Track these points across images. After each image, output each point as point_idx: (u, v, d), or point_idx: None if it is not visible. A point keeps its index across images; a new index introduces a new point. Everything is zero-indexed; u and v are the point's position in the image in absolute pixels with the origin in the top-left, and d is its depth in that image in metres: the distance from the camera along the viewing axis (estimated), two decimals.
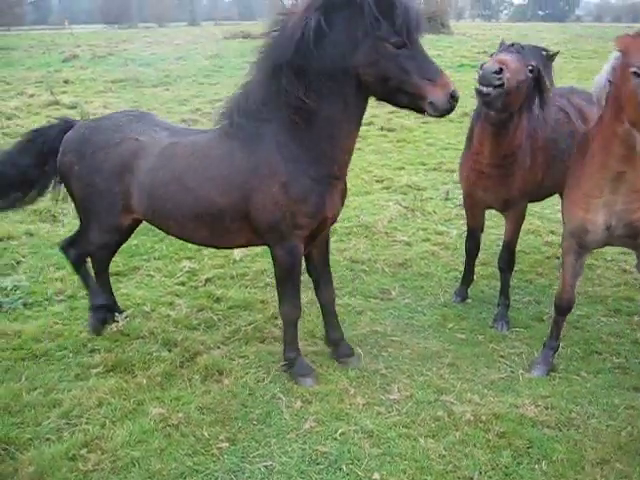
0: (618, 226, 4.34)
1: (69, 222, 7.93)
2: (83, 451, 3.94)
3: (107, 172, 4.72)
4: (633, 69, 3.75)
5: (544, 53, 4.97)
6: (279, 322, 5.52)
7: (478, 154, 5.22)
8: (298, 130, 4.21)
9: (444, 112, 3.99)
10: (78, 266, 5.33)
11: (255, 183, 4.28)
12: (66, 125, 5.16)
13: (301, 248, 4.48)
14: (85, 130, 4.98)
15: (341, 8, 3.93)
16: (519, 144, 5.06)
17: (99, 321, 5.29)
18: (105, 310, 5.33)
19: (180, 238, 4.93)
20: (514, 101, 4.67)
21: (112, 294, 5.50)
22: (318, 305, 5.16)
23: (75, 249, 5.27)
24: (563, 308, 4.85)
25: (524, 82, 4.64)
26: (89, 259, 5.35)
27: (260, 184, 4.27)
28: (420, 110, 4.06)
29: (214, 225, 4.51)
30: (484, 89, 4.40)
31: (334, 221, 4.75)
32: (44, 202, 8.22)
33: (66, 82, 18.00)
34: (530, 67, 4.68)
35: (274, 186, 4.24)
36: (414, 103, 4.03)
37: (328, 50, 3.98)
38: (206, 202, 4.43)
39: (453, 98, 3.92)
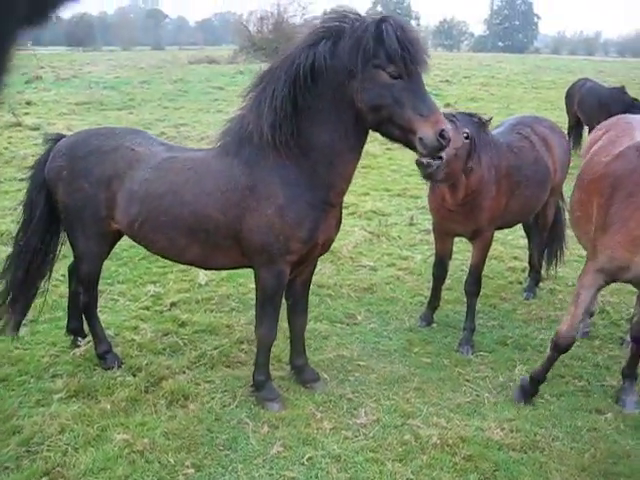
0: None
1: None
2: (44, 479, 3.84)
3: (96, 177, 4.66)
4: None
5: (477, 120, 5.15)
6: (245, 346, 5.52)
7: (442, 199, 5.43)
8: (297, 154, 4.22)
9: (432, 150, 3.95)
10: (74, 295, 5.30)
11: (252, 203, 4.27)
12: (58, 136, 5.14)
13: (287, 273, 4.47)
14: (78, 136, 4.97)
15: (341, 37, 3.98)
16: (478, 184, 5.20)
17: (112, 360, 5.15)
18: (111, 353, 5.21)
19: (165, 255, 4.84)
20: (454, 169, 4.86)
21: (81, 319, 5.37)
22: (284, 330, 5.16)
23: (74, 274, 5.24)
24: (567, 346, 4.65)
25: (461, 149, 4.83)
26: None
27: (257, 205, 4.27)
28: (412, 146, 4.02)
29: (207, 241, 4.47)
30: (424, 160, 4.47)
31: (326, 249, 4.75)
32: (5, 224, 8.13)
33: (29, 104, 17.78)
34: (465, 134, 4.88)
35: (270, 208, 4.24)
36: (405, 137, 4.01)
37: (327, 78, 4.03)
38: (202, 216, 4.40)
39: (443, 137, 3.87)
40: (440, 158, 4.43)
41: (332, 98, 4.09)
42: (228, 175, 4.36)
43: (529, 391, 4.83)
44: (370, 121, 4.12)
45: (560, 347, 4.65)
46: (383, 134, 4.21)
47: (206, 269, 5.34)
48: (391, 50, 3.83)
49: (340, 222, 4.70)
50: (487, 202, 5.22)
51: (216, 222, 4.38)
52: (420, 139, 3.88)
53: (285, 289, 4.75)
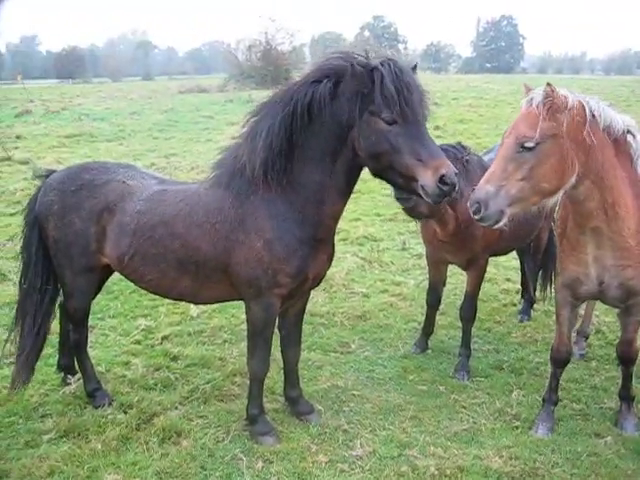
0: (611, 284, 4.33)
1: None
2: None
3: (87, 211, 4.63)
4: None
5: (460, 148, 5.21)
6: (238, 379, 5.44)
7: (434, 230, 5.43)
8: (288, 190, 4.20)
9: (436, 198, 3.83)
10: (65, 332, 5.23)
11: (240, 236, 4.25)
12: (49, 172, 5.11)
13: (277, 306, 4.42)
14: (70, 170, 4.95)
15: (338, 81, 3.97)
16: (468, 213, 5.14)
17: (102, 398, 5.06)
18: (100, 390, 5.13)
19: (155, 289, 4.78)
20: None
21: (72, 355, 5.28)
22: (277, 361, 5.09)
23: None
24: (562, 360, 4.79)
25: None
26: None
27: (245, 237, 4.23)
28: (412, 191, 3.96)
29: (197, 274, 4.43)
30: (399, 195, 4.52)
31: (317, 283, 4.70)
32: None
33: (18, 137, 17.73)
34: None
35: (258, 241, 4.20)
36: (408, 185, 3.94)
37: (324, 118, 4.02)
38: (192, 249, 4.37)
39: (444, 183, 3.74)
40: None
41: (327, 138, 4.08)
42: (218, 207, 4.33)
43: (552, 419, 4.79)
44: (372, 169, 4.11)
45: (555, 361, 4.80)
46: (388, 182, 4.18)
47: (196, 303, 5.26)
48: (384, 95, 3.79)
49: (332, 257, 4.65)
50: (480, 230, 5.15)
51: (205, 254, 4.35)
52: (422, 187, 3.80)
53: (278, 321, 4.70)
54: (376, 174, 4.16)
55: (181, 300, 5.03)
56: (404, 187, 4.06)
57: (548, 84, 3.91)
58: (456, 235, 5.32)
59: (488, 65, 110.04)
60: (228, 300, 4.82)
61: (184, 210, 4.43)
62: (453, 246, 5.46)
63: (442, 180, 3.74)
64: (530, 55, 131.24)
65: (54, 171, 5.12)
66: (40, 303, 4.99)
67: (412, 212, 4.89)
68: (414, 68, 4.10)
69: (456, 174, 3.81)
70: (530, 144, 3.82)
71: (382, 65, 3.87)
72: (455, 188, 3.81)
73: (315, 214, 4.25)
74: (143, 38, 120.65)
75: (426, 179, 3.76)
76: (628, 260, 4.23)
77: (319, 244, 4.37)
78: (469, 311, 5.69)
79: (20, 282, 5.11)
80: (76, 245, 4.71)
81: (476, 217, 3.94)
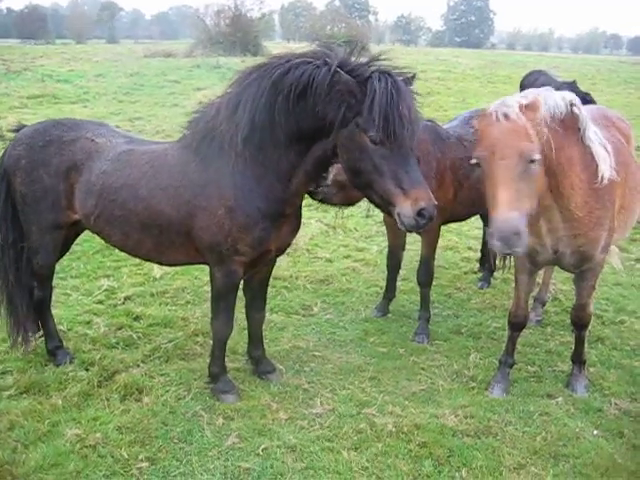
0: (566, 252, 4.45)
1: None
2: None
3: (55, 167, 4.58)
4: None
5: None
6: (200, 339, 5.48)
7: None
8: (257, 164, 4.11)
9: (410, 228, 3.77)
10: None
11: (202, 201, 4.20)
12: (20, 127, 5.01)
13: (240, 273, 4.41)
14: (40, 125, 4.86)
15: (336, 82, 3.71)
16: None
17: (63, 356, 5.04)
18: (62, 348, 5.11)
19: (121, 248, 4.77)
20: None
21: (35, 312, 5.20)
22: (240, 321, 5.13)
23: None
24: (519, 324, 4.92)
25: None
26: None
27: (207, 204, 4.19)
28: (389, 214, 3.90)
29: (160, 237, 4.41)
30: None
31: (281, 253, 4.70)
32: None
33: None
34: None
35: (220, 208, 4.16)
36: (384, 206, 3.87)
37: (313, 103, 3.82)
38: (155, 212, 4.33)
39: (421, 216, 3.66)
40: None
41: (309, 125, 3.92)
42: (182, 171, 4.29)
43: (507, 380, 4.93)
44: (350, 182, 4.02)
45: (512, 325, 4.94)
46: (365, 197, 4.08)
47: (162, 264, 5.25)
48: (373, 116, 3.60)
49: (298, 228, 4.62)
50: None
51: (169, 218, 4.32)
52: (398, 214, 3.73)
53: (242, 285, 4.73)
54: (353, 186, 4.06)
55: (148, 260, 5.00)
56: (379, 206, 4.00)
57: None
58: None
59: (458, 39, 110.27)
60: (194, 263, 4.81)
61: (149, 173, 4.38)
62: None
63: (420, 213, 3.66)
64: (500, 31, 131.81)
65: (25, 126, 5.03)
66: (18, 259, 4.94)
67: (324, 203, 4.95)
68: (412, 78, 3.93)
69: (435, 205, 3.73)
70: (537, 156, 3.72)
71: (379, 80, 3.66)
72: (432, 220, 3.74)
73: (281, 191, 4.19)
74: None
75: (405, 209, 3.68)
76: (578, 230, 4.35)
77: (283, 218, 4.34)
78: (425, 275, 5.78)
79: None
80: (45, 201, 4.65)
81: (507, 251, 3.86)
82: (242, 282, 4.70)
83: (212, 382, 4.71)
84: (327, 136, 3.89)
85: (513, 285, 6.82)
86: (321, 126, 3.87)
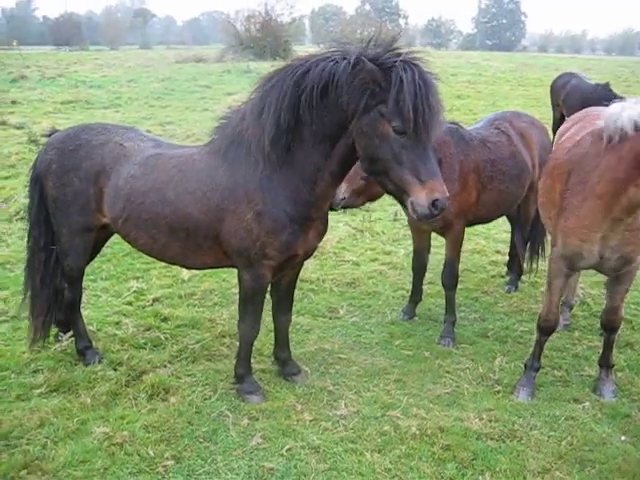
0: (612, 258, 4.41)
1: (13, 242, 7.79)
2: (23, 473, 3.85)
3: (84, 171, 4.66)
4: None
5: None
6: (227, 340, 5.54)
7: None
8: (283, 167, 4.16)
9: (423, 218, 3.81)
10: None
11: (230, 205, 4.25)
12: (52, 131, 5.14)
13: (268, 276, 4.46)
14: (70, 130, 4.96)
15: (359, 71, 3.73)
16: None
17: (92, 356, 5.14)
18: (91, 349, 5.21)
19: (147, 252, 4.81)
20: (367, 193, 5.16)
21: (66, 312, 5.31)
22: (267, 323, 5.17)
23: None
24: (549, 328, 4.85)
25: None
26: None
27: (235, 207, 4.23)
28: (401, 202, 3.98)
29: (187, 241, 4.46)
30: None
31: (308, 257, 4.74)
32: None
33: (14, 103, 17.70)
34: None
35: (249, 212, 4.20)
36: (398, 194, 3.92)
37: (335, 99, 3.87)
38: (183, 216, 4.38)
39: (435, 206, 3.72)
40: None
41: (331, 121, 3.97)
42: (211, 175, 4.33)
43: (533, 384, 4.89)
44: (365, 168, 4.05)
45: (543, 329, 4.86)
46: (377, 182, 4.11)
47: (188, 268, 5.31)
48: (400, 106, 3.63)
49: (324, 232, 4.65)
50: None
51: (197, 222, 4.37)
52: (412, 203, 3.77)
53: (270, 287, 4.76)
54: (368, 173, 4.11)
55: (173, 264, 5.06)
56: (391, 193, 4.03)
57: None
58: None
59: (489, 42, 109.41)
60: (220, 267, 4.86)
61: (176, 177, 4.43)
62: None
63: (434, 204, 3.72)
64: (532, 33, 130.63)
65: (57, 130, 5.15)
66: (47, 262, 5.03)
67: (348, 207, 5.21)
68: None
69: (447, 198, 3.79)
70: None
71: (404, 69, 3.67)
72: (443, 212, 3.81)
73: (307, 194, 4.23)
74: (141, 6, 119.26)
75: (420, 199, 3.72)
76: (632, 239, 4.33)
77: (310, 222, 4.38)
78: (449, 277, 5.77)
79: (27, 242, 5.15)
80: (75, 204, 4.74)
81: None
82: (269, 284, 4.73)
83: (238, 383, 4.75)
84: (346, 130, 3.93)
85: (543, 289, 6.89)
86: (344, 120, 3.89)
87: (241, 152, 4.27)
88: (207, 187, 4.32)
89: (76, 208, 4.75)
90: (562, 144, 5.00)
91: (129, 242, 4.85)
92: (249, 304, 4.56)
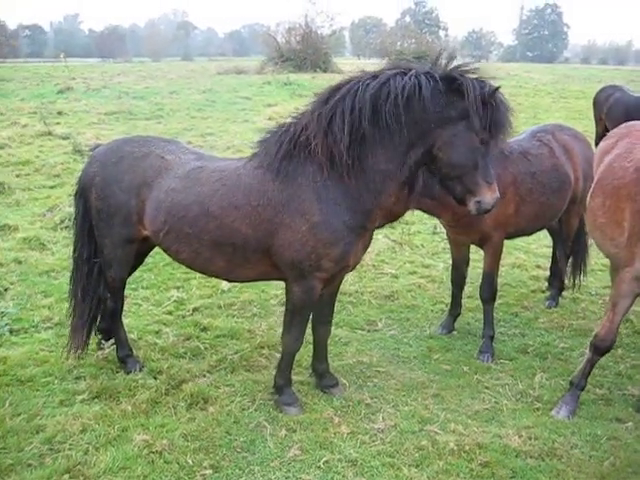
0: None
1: (58, 250, 7.95)
2: (65, 477, 3.93)
3: (127, 183, 4.73)
4: None
5: None
6: (266, 351, 5.57)
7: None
8: (347, 176, 4.22)
9: (483, 213, 4.34)
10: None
11: (285, 219, 4.27)
12: (96, 145, 5.27)
13: (319, 288, 4.48)
14: (113, 143, 5.08)
15: (449, 84, 4.10)
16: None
17: (133, 364, 5.23)
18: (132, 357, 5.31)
19: (189, 266, 4.85)
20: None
21: (109, 320, 5.41)
22: (305, 336, 5.18)
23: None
24: (606, 348, 4.69)
25: None
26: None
27: (290, 221, 4.26)
28: (463, 202, 4.32)
29: (233, 255, 4.48)
30: None
31: (354, 268, 4.79)
32: (34, 230, 8.31)
33: (60, 113, 18.05)
34: None
35: (304, 225, 4.23)
36: (462, 194, 4.27)
37: (414, 112, 4.09)
38: (229, 231, 4.40)
39: (493, 205, 4.26)
40: None
41: (409, 129, 4.14)
42: (261, 189, 4.34)
43: (576, 403, 4.79)
44: (440, 172, 4.30)
45: (599, 349, 4.69)
46: (441, 182, 4.41)
47: (231, 281, 5.35)
48: (495, 122, 4.13)
49: (370, 243, 4.72)
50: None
51: (245, 237, 4.38)
52: (478, 202, 4.23)
53: None
54: (436, 176, 4.40)
55: (216, 277, 5.08)
56: (454, 192, 4.32)
57: None
58: (459, 220, 5.44)
59: (530, 54, 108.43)
60: (264, 280, 4.89)
61: (221, 190, 4.44)
62: (460, 228, 5.62)
63: (495, 202, 4.27)
64: (574, 44, 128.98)
65: (100, 144, 5.26)
66: (89, 274, 5.13)
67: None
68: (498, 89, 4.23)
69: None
70: None
71: (498, 94, 4.15)
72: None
73: (370, 203, 4.28)
74: (184, 18, 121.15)
75: (487, 197, 4.21)
76: None
77: (365, 232, 4.43)
78: (488, 291, 5.73)
79: (73, 254, 5.25)
80: (117, 216, 4.80)
81: None
82: None
83: (276, 394, 4.78)
84: (423, 139, 4.18)
85: (583, 306, 6.81)
86: (423, 131, 4.16)
87: (296, 164, 4.30)
88: (257, 202, 4.32)
89: (118, 220, 4.82)
90: (617, 162, 4.85)
91: (170, 256, 4.89)
92: (297, 316, 4.58)
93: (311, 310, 4.65)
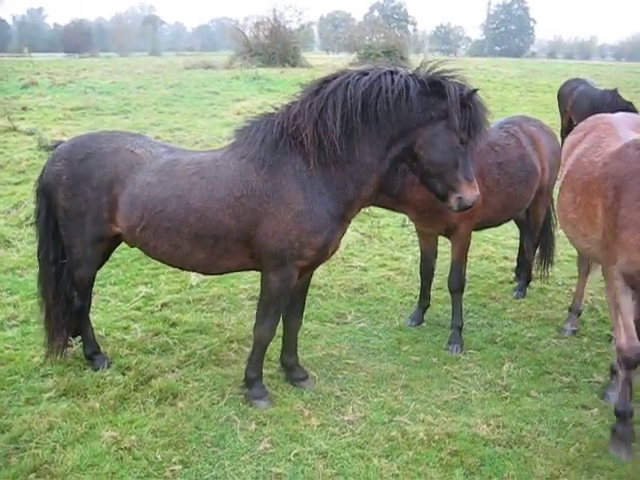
0: None
1: (23, 247, 7.84)
2: (31, 476, 3.88)
3: (97, 180, 4.62)
4: None
5: None
6: (235, 345, 5.56)
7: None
8: (332, 166, 4.30)
9: (463, 209, 4.49)
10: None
11: (269, 208, 4.29)
12: (56, 143, 5.13)
13: (296, 277, 4.50)
14: (77, 139, 4.94)
15: (432, 87, 4.25)
16: (426, 195, 5.12)
17: (101, 361, 5.16)
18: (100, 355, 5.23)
19: (168, 261, 4.79)
20: None
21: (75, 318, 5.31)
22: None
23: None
24: (636, 358, 4.17)
25: None
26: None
27: (275, 210, 4.28)
28: (444, 199, 4.46)
29: (215, 247, 4.46)
30: None
31: (330, 257, 4.82)
32: None
33: (24, 109, 17.75)
34: None
35: (289, 213, 4.26)
36: (443, 191, 4.41)
37: (401, 110, 4.23)
38: (211, 222, 4.38)
39: (474, 202, 4.43)
40: None
41: (395, 128, 4.29)
42: (244, 180, 4.33)
43: (623, 430, 4.27)
44: (420, 170, 4.44)
45: (630, 361, 4.18)
46: (421, 179, 4.54)
47: (206, 274, 5.29)
48: (473, 122, 4.30)
49: (344, 234, 4.76)
50: None
51: (227, 227, 4.37)
52: (459, 198, 4.38)
53: None
54: (416, 172, 4.54)
55: (193, 271, 5.08)
56: (435, 189, 4.46)
57: None
58: (422, 214, 5.54)
59: (497, 48, 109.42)
60: (241, 270, 4.88)
61: (199, 183, 4.40)
62: (425, 220, 5.69)
63: (476, 199, 4.43)
64: (540, 39, 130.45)
65: (62, 142, 5.12)
66: (59, 275, 5.03)
67: None
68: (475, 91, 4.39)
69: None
70: None
71: (475, 95, 4.33)
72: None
73: (352, 193, 4.38)
74: (151, 13, 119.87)
75: (468, 194, 4.37)
76: None
77: (345, 222, 4.53)
78: (456, 282, 5.77)
79: (38, 255, 5.14)
80: (88, 214, 4.70)
81: None
82: None
83: (247, 387, 4.77)
84: (404, 136, 4.32)
85: (550, 296, 6.89)
86: (406, 128, 4.30)
87: (282, 154, 4.33)
88: (240, 192, 4.33)
89: (89, 218, 4.72)
90: (585, 157, 4.85)
91: (146, 252, 4.81)
92: (272, 306, 4.58)
93: (286, 300, 4.64)
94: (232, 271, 4.93)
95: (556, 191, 5.40)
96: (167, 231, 4.49)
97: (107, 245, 5.00)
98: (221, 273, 5.10)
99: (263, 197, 4.29)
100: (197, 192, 4.40)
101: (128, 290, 6.82)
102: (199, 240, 4.45)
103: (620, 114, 5.62)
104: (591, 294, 6.71)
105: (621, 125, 4.99)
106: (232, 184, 4.35)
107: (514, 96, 25.43)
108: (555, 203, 5.64)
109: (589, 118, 5.66)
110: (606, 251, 4.34)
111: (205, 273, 5.10)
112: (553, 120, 15.26)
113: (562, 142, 14.62)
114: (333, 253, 4.75)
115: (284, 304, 4.65)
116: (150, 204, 4.48)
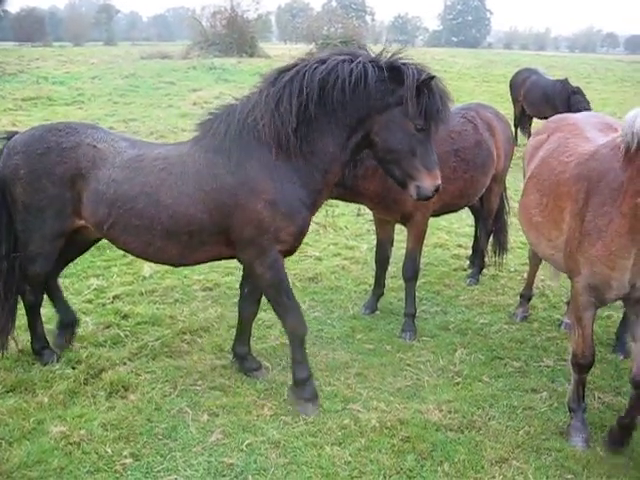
0: None
1: None
2: None
3: (59, 176, 4.49)
4: None
5: None
6: (187, 337, 5.52)
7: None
8: (299, 157, 4.27)
9: (423, 198, 4.46)
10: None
11: (240, 200, 4.24)
12: (10, 134, 4.89)
13: (282, 261, 4.44)
14: (35, 131, 4.74)
15: (391, 72, 4.19)
16: (382, 185, 5.30)
17: (50, 356, 5.05)
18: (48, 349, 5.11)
19: (139, 255, 4.71)
20: None
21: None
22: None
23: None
24: (588, 365, 4.26)
25: None
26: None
27: (245, 201, 4.23)
28: (404, 187, 4.43)
29: (189, 242, 4.39)
30: None
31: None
32: None
33: None
34: None
35: (259, 203, 4.21)
36: (402, 179, 4.38)
37: (359, 97, 4.18)
38: (184, 218, 4.30)
39: (436, 190, 4.37)
40: None
41: (352, 114, 4.25)
42: (212, 174, 4.28)
43: (587, 429, 4.32)
44: (377, 156, 4.42)
45: (580, 367, 4.28)
46: (383, 168, 4.53)
47: (178, 266, 5.20)
48: (430, 109, 4.20)
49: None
50: (403, 194, 5.01)
51: (201, 222, 4.32)
52: (418, 187, 4.34)
53: (240, 279, 4.83)
54: (377, 160, 4.53)
55: (164, 264, 5.03)
56: (395, 176, 4.43)
57: None
58: (378, 203, 5.59)
59: (455, 39, 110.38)
60: (216, 260, 4.82)
61: (168, 180, 4.32)
62: (381, 208, 5.71)
63: (436, 189, 4.37)
64: (497, 30, 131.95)
65: (16, 133, 4.93)
66: (11, 270, 4.83)
67: None
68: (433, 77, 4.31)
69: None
70: None
71: (433, 80, 4.21)
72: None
73: (319, 182, 4.38)
74: (106, 1, 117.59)
75: (426, 183, 4.32)
76: None
77: (315, 209, 4.54)
78: (410, 269, 5.80)
79: None
80: (50, 209, 4.57)
81: None
82: (241, 275, 4.83)
83: (298, 389, 4.58)
84: (363, 124, 4.29)
85: (502, 282, 6.98)
86: (364, 115, 4.25)
87: (247, 145, 4.28)
88: (210, 186, 4.27)
89: (51, 213, 4.59)
90: (553, 158, 4.73)
91: (118, 247, 4.74)
92: (280, 297, 4.47)
93: (287, 283, 4.53)
94: (208, 261, 4.85)
95: (514, 186, 5.45)
96: (137, 228, 4.41)
97: (65, 240, 4.81)
98: (194, 264, 5.06)
99: (232, 190, 4.25)
100: (166, 189, 4.32)
101: (79, 283, 6.70)
102: (172, 236, 4.39)
103: (583, 113, 5.70)
104: (542, 280, 6.82)
105: (587, 125, 4.91)
106: (200, 178, 4.30)
107: (470, 86, 25.68)
108: (517, 206, 5.56)
109: (551, 118, 5.64)
110: (570, 261, 4.23)
111: (176, 265, 5.02)
112: (508, 109, 15.41)
113: (515, 130, 14.89)
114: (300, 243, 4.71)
115: (287, 287, 4.52)
116: (118, 201, 4.38)
